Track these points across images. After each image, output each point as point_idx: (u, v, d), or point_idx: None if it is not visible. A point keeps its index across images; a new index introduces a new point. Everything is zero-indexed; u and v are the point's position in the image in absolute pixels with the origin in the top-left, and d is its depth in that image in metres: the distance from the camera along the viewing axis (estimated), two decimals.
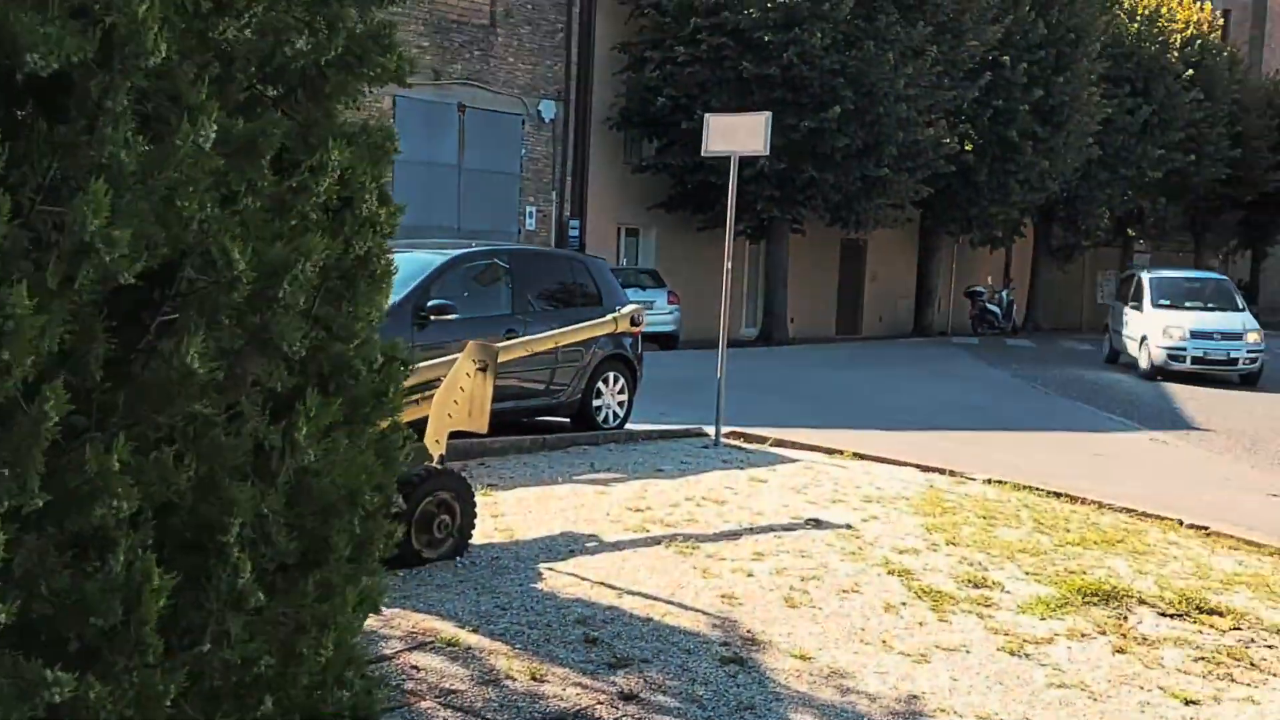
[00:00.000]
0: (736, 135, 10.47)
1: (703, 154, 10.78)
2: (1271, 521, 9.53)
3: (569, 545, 6.97)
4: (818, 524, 7.80)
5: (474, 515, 6.64)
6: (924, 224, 32.16)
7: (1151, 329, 20.14)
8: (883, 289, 33.62)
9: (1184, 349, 19.73)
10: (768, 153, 10.57)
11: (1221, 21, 40.18)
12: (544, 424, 11.12)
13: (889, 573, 6.67)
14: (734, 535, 7.38)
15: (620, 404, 11.19)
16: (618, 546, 6.97)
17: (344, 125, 3.16)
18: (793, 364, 20.06)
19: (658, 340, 23.10)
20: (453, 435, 6.93)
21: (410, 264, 9.59)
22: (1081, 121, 30.32)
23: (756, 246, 29.75)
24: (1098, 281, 42.16)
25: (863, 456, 10.58)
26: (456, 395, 6.65)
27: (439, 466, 6.61)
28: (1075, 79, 30.04)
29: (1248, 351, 19.72)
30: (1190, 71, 35.40)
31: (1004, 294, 33.80)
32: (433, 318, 9.40)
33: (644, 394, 13.19)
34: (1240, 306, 21.34)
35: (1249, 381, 19.87)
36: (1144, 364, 20.13)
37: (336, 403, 2.98)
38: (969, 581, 6.58)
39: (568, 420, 11.10)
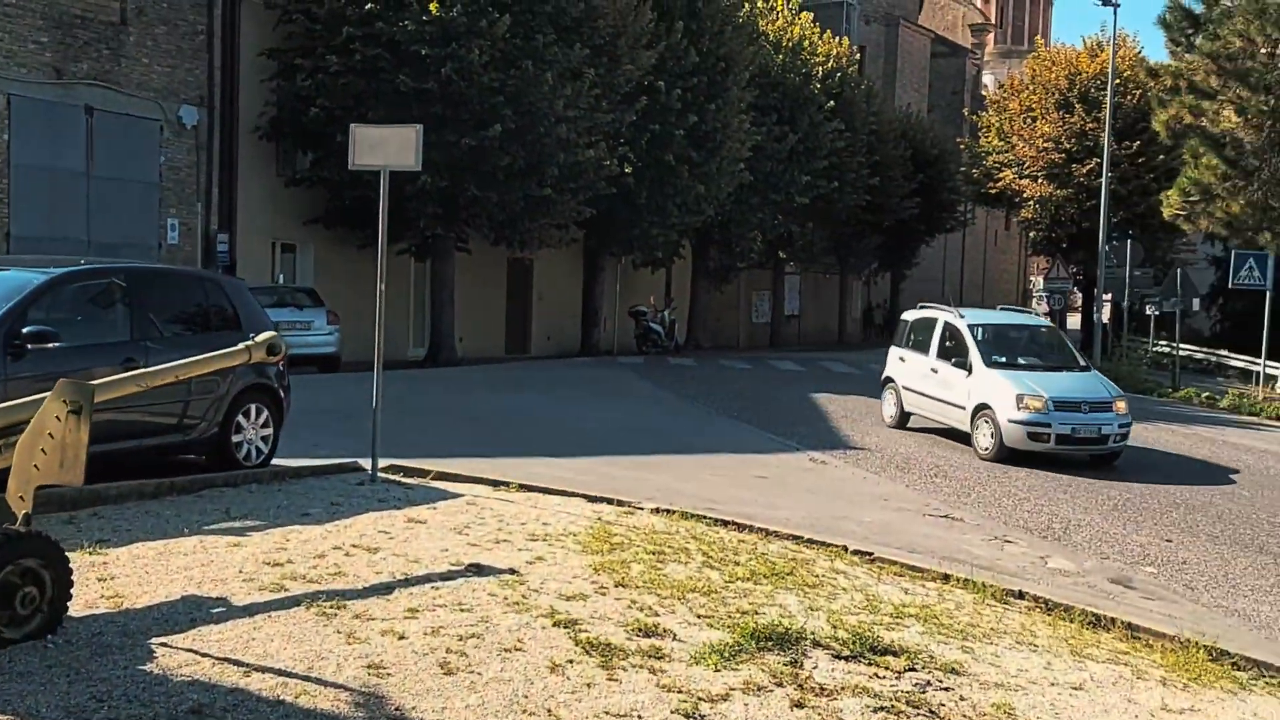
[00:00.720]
0: (387, 149, 9.71)
1: (350, 167, 9.93)
2: (930, 543, 9.71)
3: (191, 613, 6.00)
4: (479, 570, 7.16)
5: (69, 584, 5.58)
6: (588, 244, 32.28)
7: (995, 397, 15.22)
8: (550, 308, 33.50)
9: (1047, 425, 14.91)
10: (419, 168, 9.86)
11: (859, 56, 42.79)
12: (178, 463, 9.93)
13: (555, 624, 6.12)
14: (386, 589, 6.62)
15: (265, 438, 10.12)
16: (250, 611, 6.07)
17: None
18: (460, 386, 19.37)
19: (317, 363, 21.84)
20: (43, 488, 5.82)
21: (3, 284, 8.24)
22: (733, 148, 31.31)
23: (422, 265, 28.89)
24: (752, 301, 43.86)
25: (529, 488, 10.03)
26: (44, 443, 5.56)
27: (22, 529, 5.51)
28: (726, 106, 30.99)
29: (1119, 426, 15.38)
30: (831, 103, 37.43)
31: (666, 314, 34.44)
32: (30, 346, 8.09)
33: (298, 423, 12.16)
34: (1084, 364, 17.28)
35: (1106, 461, 15.51)
36: (986, 442, 15.22)
37: None
38: (640, 629, 6.12)
39: (204, 458, 9.95)
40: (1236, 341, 35.61)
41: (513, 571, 7.18)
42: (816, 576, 7.73)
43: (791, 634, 6.19)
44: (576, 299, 34.45)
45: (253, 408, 9.91)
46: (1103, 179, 31.47)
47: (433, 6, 23.09)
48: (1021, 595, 8.02)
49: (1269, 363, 26.72)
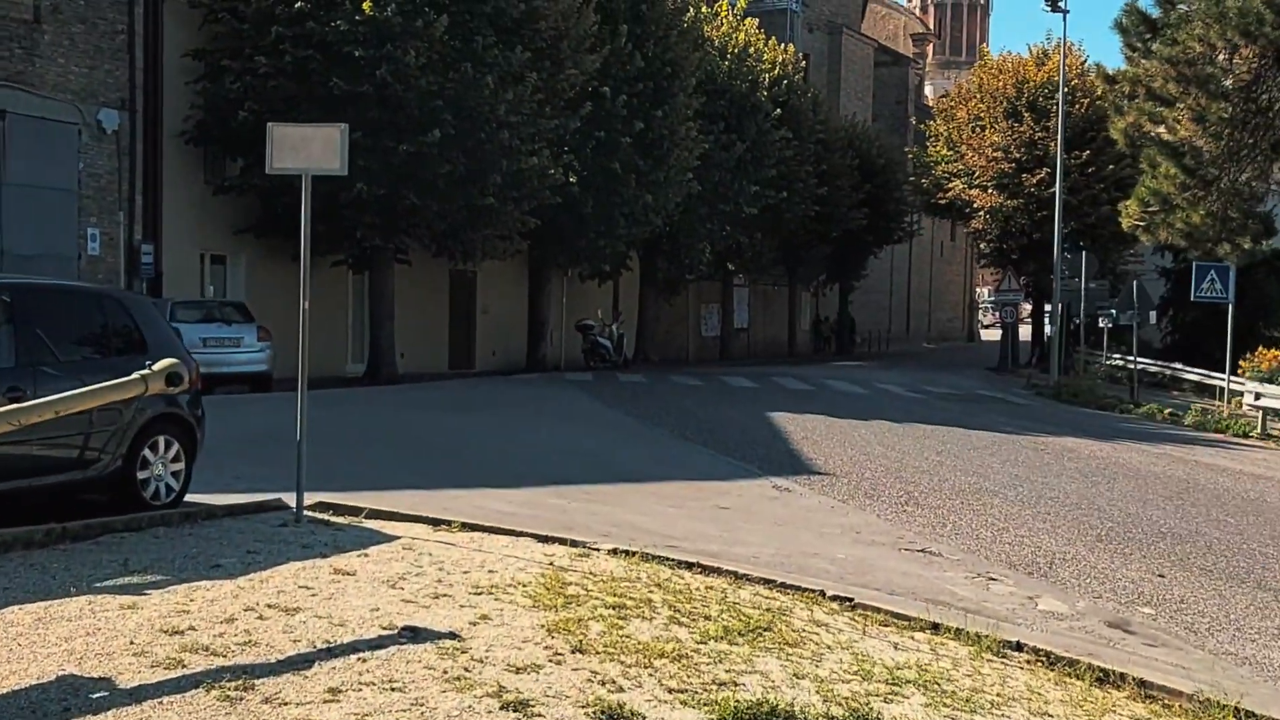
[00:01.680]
0: (309, 150, 8.74)
1: (268, 170, 8.94)
2: (911, 582, 8.90)
3: (65, 699, 5.00)
4: (415, 635, 6.20)
5: None
6: (533, 256, 31.31)
7: None
8: (494, 322, 32.48)
9: None
10: (344, 171, 8.90)
11: (804, 64, 42.22)
12: (78, 504, 8.85)
13: (504, 706, 5.18)
14: (305, 662, 5.64)
15: (175, 474, 9.05)
16: (137, 696, 5.07)
17: None
18: (400, 406, 18.32)
19: (248, 381, 20.71)
20: None
21: None
22: (681, 156, 30.52)
23: (360, 277, 27.78)
24: (701, 314, 43.08)
25: (474, 527, 9.06)
26: None
27: None
28: (673, 113, 30.21)
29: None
30: (778, 110, 36.76)
31: (614, 327, 33.53)
32: None
33: (220, 450, 11.16)
34: None
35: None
36: None
37: None
38: (604, 711, 5.20)
39: (107, 498, 8.88)
40: (1187, 354, 35.36)
41: (454, 635, 6.22)
42: (796, 631, 6.86)
43: (779, 712, 5.30)
44: (522, 312, 33.44)
45: (161, 440, 8.86)
46: (1056, 188, 31.04)
47: (366, 6, 22.09)
48: (1020, 647, 7.22)
49: (1231, 378, 26.32)
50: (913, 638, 7.10)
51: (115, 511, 8.58)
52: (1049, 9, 30.16)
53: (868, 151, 47.69)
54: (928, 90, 78.71)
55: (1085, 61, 39.66)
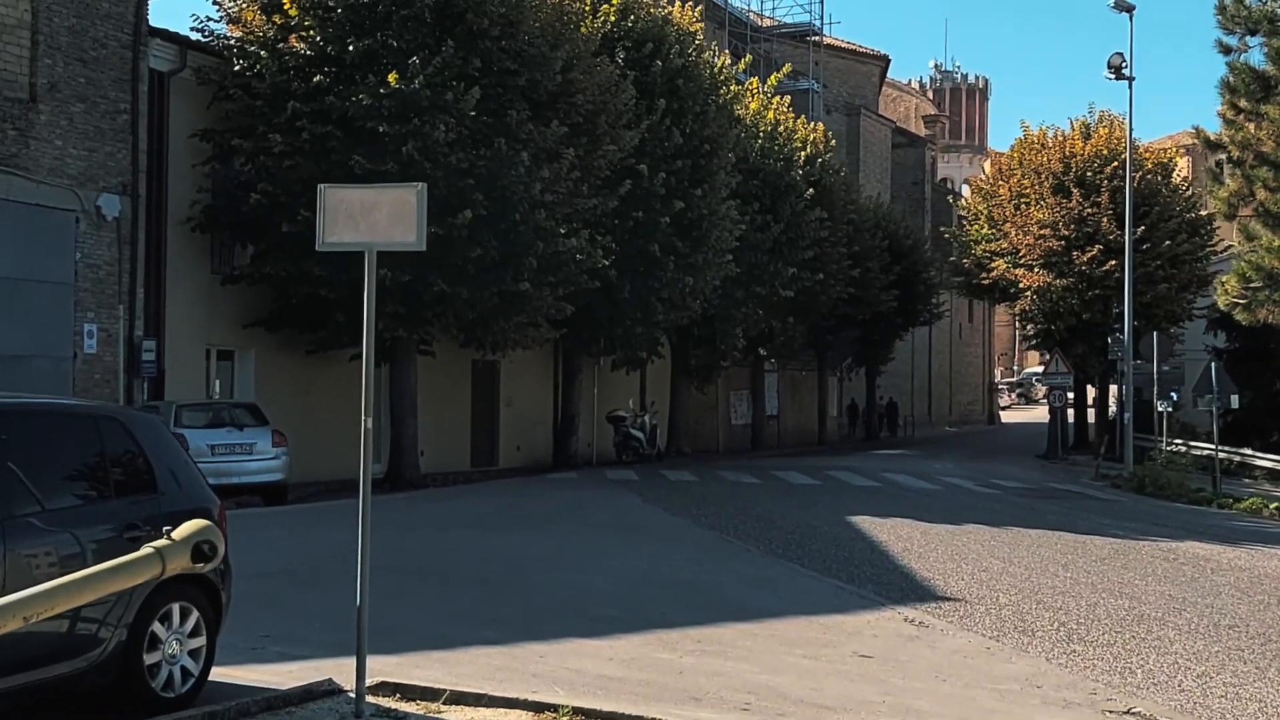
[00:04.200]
0: (373, 219, 6.70)
1: (319, 246, 6.90)
2: None
3: None
4: None
5: None
6: (565, 344, 29.27)
7: None
8: (519, 415, 30.33)
9: None
10: (422, 245, 6.83)
11: (834, 142, 40.66)
12: (68, 698, 6.61)
13: None
14: None
15: (194, 652, 6.75)
16: None
17: None
18: (436, 521, 16.06)
19: (261, 492, 18.52)
20: None
21: None
22: (721, 237, 28.67)
23: (378, 370, 25.68)
24: (731, 402, 40.98)
25: (589, 715, 6.82)
26: None
27: None
28: (712, 192, 28.43)
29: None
30: (811, 190, 35.03)
31: (647, 418, 31.40)
32: None
33: (238, 593, 8.88)
34: None
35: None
36: None
37: None
38: None
39: (109, 680, 6.62)
40: (1241, 437, 33.19)
41: None
42: None
43: None
44: (547, 404, 31.35)
45: (176, 608, 6.60)
46: (1126, 263, 29.04)
47: (392, 78, 20.27)
48: None
49: None
50: None
51: (110, 713, 6.33)
52: (1112, 77, 28.49)
53: (895, 232, 46.13)
54: (945, 172, 77.52)
55: (1128, 133, 37.99)
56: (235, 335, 22.82)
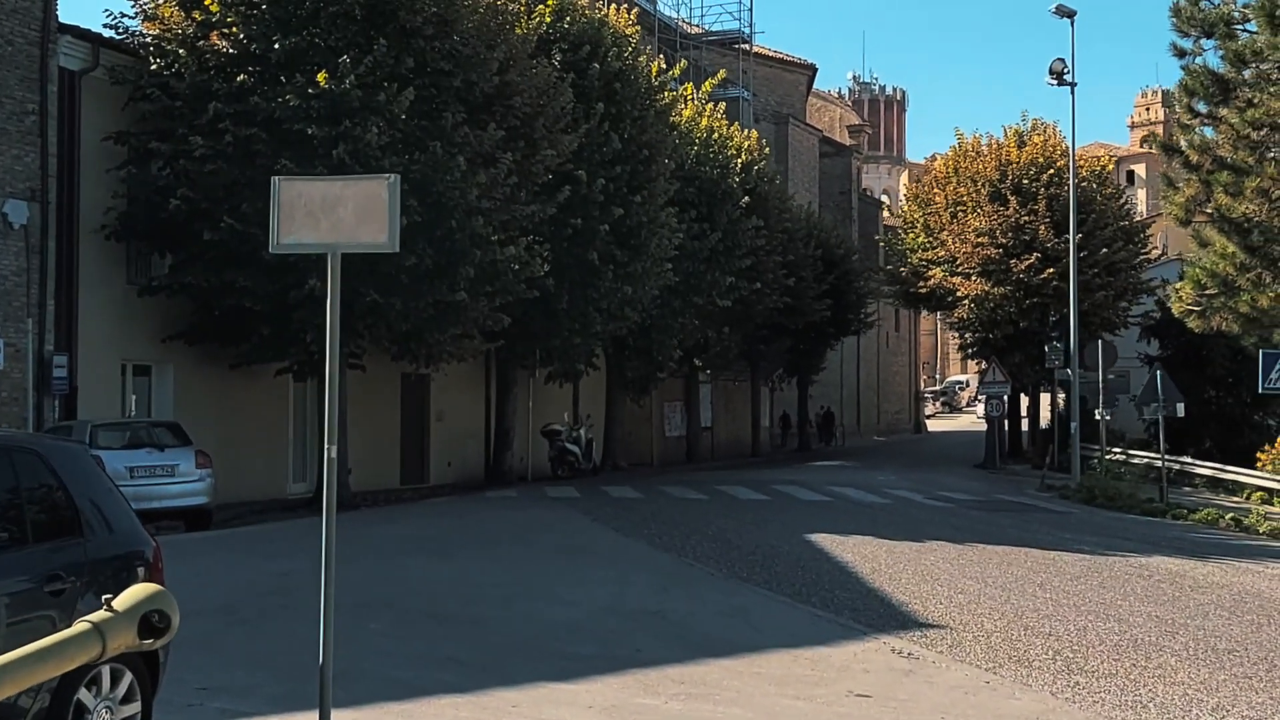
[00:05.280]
0: (338, 216, 5.76)
1: (273, 248, 5.97)
2: None
3: None
4: None
5: None
6: (498, 357, 28.28)
7: None
8: (450, 430, 29.27)
9: None
10: (395, 246, 5.93)
11: (767, 150, 40.16)
12: None
13: None
14: None
15: None
16: None
17: None
18: (377, 548, 15.00)
19: (184, 517, 17.33)
20: None
21: None
22: (660, 245, 27.91)
23: (302, 385, 24.55)
24: (665, 414, 40.21)
25: None
26: None
27: None
28: (651, 199, 27.68)
29: None
30: (747, 198, 34.45)
31: (582, 431, 30.49)
32: None
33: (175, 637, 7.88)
34: None
35: None
36: None
37: None
38: None
39: None
40: (1174, 446, 33.20)
41: None
42: None
43: None
44: (479, 418, 30.33)
45: (105, 671, 5.61)
46: (1071, 269, 28.70)
47: (321, 78, 19.23)
48: None
49: None
50: None
51: None
52: (1054, 82, 28.29)
53: (827, 241, 45.81)
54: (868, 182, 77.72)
55: (1062, 140, 37.99)
56: (153, 349, 21.58)
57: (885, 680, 9.28)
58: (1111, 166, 43.53)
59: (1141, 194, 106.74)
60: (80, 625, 3.49)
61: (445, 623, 10.34)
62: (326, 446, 6.08)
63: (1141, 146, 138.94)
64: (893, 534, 17.75)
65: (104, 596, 3.70)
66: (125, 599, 3.63)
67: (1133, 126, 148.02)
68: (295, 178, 6.19)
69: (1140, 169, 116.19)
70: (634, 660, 9.32)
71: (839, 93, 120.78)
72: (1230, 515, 21.99)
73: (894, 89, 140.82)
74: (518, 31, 23.21)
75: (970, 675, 9.62)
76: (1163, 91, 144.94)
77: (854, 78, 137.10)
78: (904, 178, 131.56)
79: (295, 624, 9.91)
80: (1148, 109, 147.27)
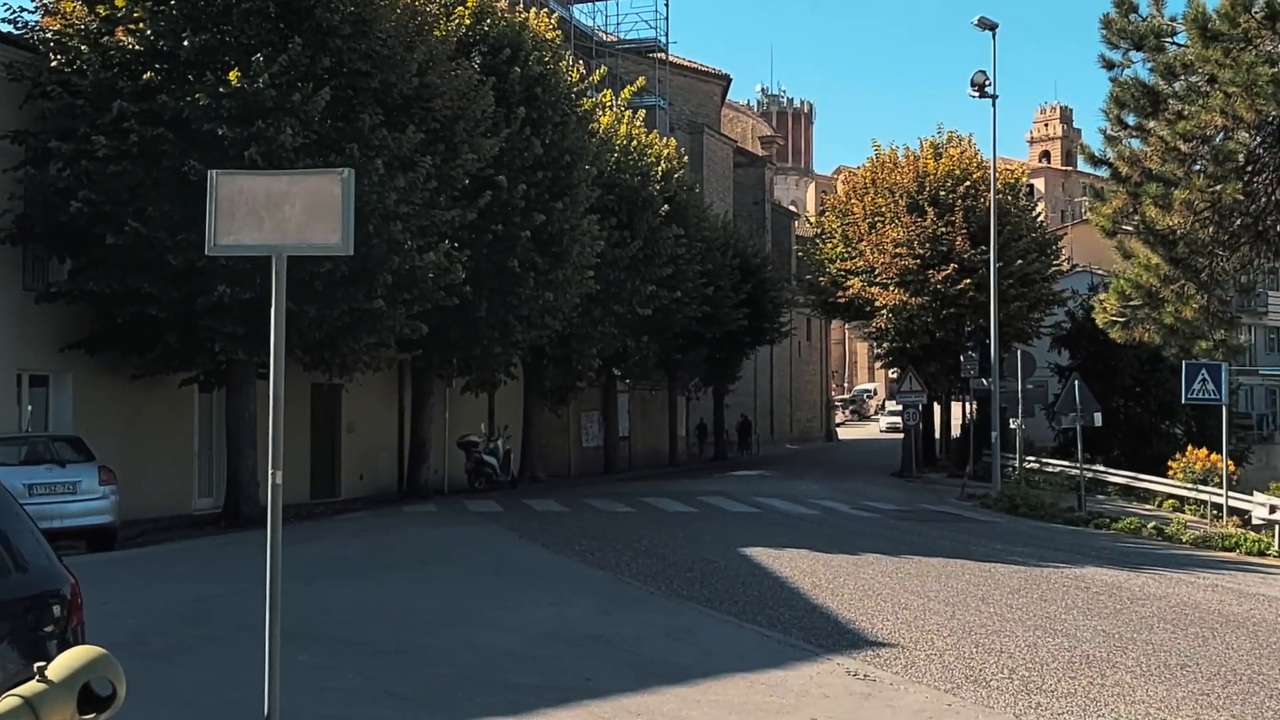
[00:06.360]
0: (284, 215, 5.18)
1: (209, 250, 5.35)
2: None
3: None
4: None
5: None
6: (414, 366, 27.50)
7: None
8: (362, 441, 28.40)
9: None
10: (349, 249, 5.36)
11: (686, 159, 39.90)
12: None
13: None
14: None
15: None
16: None
17: None
18: (295, 569, 14.09)
19: (86, 537, 16.36)
20: None
21: None
22: (582, 253, 27.41)
23: (208, 396, 23.59)
24: (582, 423, 39.67)
25: None
26: None
27: None
28: (573, 206, 27.18)
29: None
30: (667, 207, 34.14)
31: (500, 443, 29.80)
32: None
33: None
34: None
35: None
36: None
37: None
38: None
39: None
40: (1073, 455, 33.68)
41: None
42: None
43: None
44: (392, 429, 29.49)
45: None
46: (992, 280, 28.88)
47: (232, 76, 18.42)
48: None
49: (1231, 493, 24.05)
50: None
51: None
52: (976, 94, 28.45)
53: (744, 250, 45.77)
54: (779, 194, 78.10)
55: (978, 153, 38.33)
56: (51, 359, 20.48)
57: (846, 705, 8.89)
58: (1025, 179, 44.10)
59: (1041, 207, 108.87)
60: (9, 700, 2.89)
61: (379, 653, 9.69)
62: (271, 472, 5.54)
63: (1040, 161, 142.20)
64: (826, 547, 17.46)
65: (36, 665, 3.07)
66: (61, 666, 3.04)
67: (1032, 141, 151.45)
68: (236, 172, 5.58)
69: (1040, 183, 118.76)
70: (585, 690, 8.79)
71: (749, 104, 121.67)
72: (1152, 524, 22.14)
73: (801, 102, 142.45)
74: (437, 33, 22.58)
75: (931, 697, 9.28)
76: (1061, 107, 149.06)
77: (762, 90, 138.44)
78: (811, 189, 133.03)
79: (217, 656, 9.23)
80: (1046, 124, 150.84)
